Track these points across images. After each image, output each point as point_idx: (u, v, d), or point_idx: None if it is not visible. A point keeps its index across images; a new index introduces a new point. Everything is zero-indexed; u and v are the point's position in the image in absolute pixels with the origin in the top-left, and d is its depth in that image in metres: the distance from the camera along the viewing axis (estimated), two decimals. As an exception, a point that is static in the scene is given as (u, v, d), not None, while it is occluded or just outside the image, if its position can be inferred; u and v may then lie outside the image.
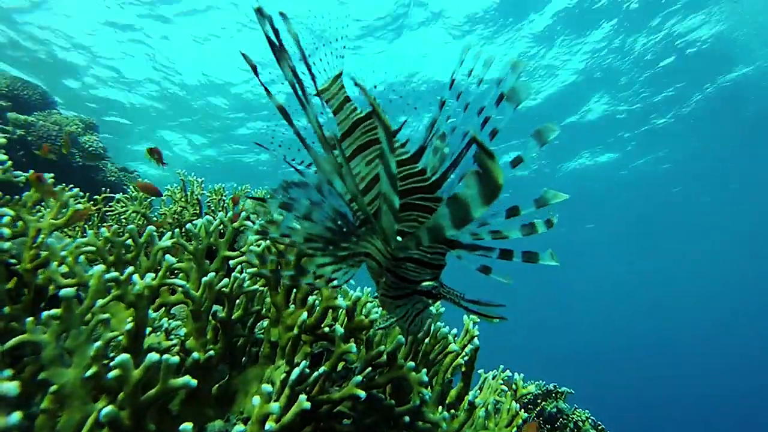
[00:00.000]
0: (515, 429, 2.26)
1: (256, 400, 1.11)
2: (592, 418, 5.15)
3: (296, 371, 1.23)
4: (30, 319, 1.27)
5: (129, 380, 1.04)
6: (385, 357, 1.46)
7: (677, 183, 22.57)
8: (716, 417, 62.51)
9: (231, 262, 1.76)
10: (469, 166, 1.24)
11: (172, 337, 1.64)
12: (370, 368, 1.45)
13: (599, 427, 5.08)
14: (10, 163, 2.31)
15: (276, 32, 0.96)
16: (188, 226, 1.71)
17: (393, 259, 1.19)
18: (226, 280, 1.57)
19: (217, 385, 1.69)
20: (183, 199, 3.62)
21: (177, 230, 1.71)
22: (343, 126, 1.49)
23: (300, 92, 0.99)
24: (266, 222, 1.20)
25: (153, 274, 1.38)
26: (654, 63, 14.42)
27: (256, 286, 1.66)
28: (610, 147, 19.30)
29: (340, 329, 1.37)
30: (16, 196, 2.13)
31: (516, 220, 1.16)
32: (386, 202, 0.99)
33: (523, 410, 2.34)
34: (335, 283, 1.22)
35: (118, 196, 3.48)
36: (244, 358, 1.74)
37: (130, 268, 1.32)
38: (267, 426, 1.11)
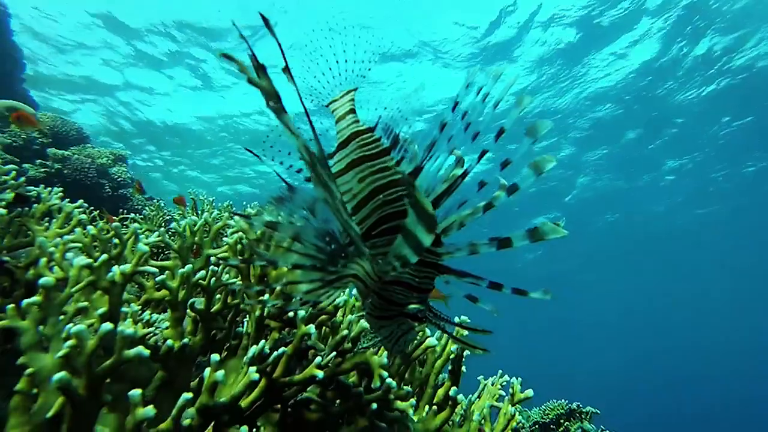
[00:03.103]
0: (510, 432, 2.20)
1: (207, 371, 1.15)
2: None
3: (253, 348, 1.26)
4: (10, 306, 1.36)
5: (84, 349, 1.09)
6: (349, 343, 1.47)
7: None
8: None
9: (212, 258, 1.82)
10: (465, 193, 1.22)
11: (155, 329, 1.70)
12: (335, 353, 1.46)
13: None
14: (23, 179, 2.50)
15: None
16: (172, 225, 1.79)
17: (380, 282, 1.20)
18: (202, 272, 1.63)
19: (198, 378, 1.73)
20: (193, 217, 3.76)
21: (162, 229, 1.79)
22: (341, 136, 1.49)
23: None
24: (252, 242, 1.20)
25: (129, 264, 1.46)
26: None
27: (234, 280, 1.71)
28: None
29: (302, 312, 1.40)
30: (26, 208, 2.29)
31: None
32: (351, 232, 1.06)
33: (518, 413, 2.27)
34: (320, 306, 1.23)
35: (131, 215, 3.66)
36: (225, 352, 1.79)
37: (104, 255, 1.40)
38: (219, 398, 1.13)
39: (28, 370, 1.30)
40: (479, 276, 1.17)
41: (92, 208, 4.17)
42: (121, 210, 4.22)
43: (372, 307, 1.23)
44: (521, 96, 1.07)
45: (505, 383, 2.55)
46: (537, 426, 5.25)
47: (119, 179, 7.77)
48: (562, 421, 5.15)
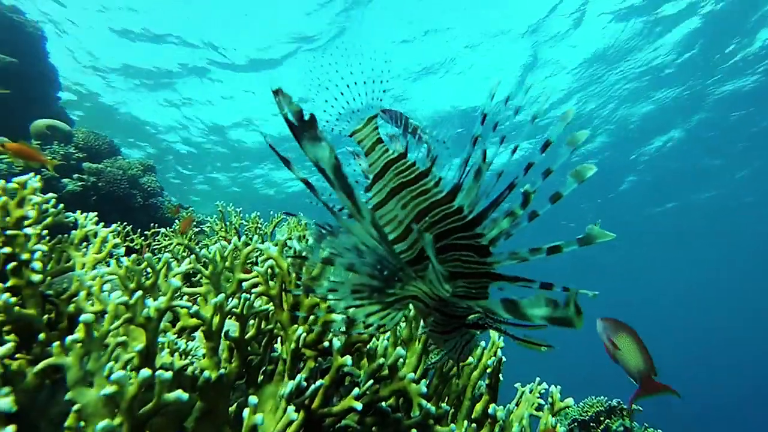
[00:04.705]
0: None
1: (245, 412, 1.15)
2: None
3: (290, 384, 1.25)
4: (56, 343, 1.39)
5: (125, 396, 1.11)
6: (386, 370, 1.45)
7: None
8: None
9: (244, 284, 1.83)
10: (510, 205, 1.23)
11: (191, 358, 1.73)
12: (372, 381, 1.44)
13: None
14: (61, 206, 2.58)
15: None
16: (203, 252, 1.81)
17: (440, 300, 1.24)
18: (235, 301, 1.64)
19: (236, 404, 1.74)
20: (223, 230, 3.81)
21: (193, 256, 1.81)
22: (374, 168, 1.47)
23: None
24: (308, 279, 1.26)
25: (163, 298, 1.47)
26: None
27: (267, 306, 1.71)
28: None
29: (337, 342, 1.39)
30: (65, 235, 2.36)
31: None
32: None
33: (559, 424, 2.21)
34: (384, 329, 1.25)
35: (162, 230, 3.74)
36: (261, 377, 1.79)
37: (139, 292, 1.42)
38: (259, 439, 1.13)
39: (76, 407, 1.33)
40: (530, 279, 1.20)
41: (125, 222, 4.29)
42: (152, 224, 4.33)
43: (435, 324, 1.27)
44: (567, 111, 1.09)
45: (543, 391, 2.49)
46: (576, 423, 5.15)
47: (149, 188, 7.98)
48: (602, 418, 5.03)
